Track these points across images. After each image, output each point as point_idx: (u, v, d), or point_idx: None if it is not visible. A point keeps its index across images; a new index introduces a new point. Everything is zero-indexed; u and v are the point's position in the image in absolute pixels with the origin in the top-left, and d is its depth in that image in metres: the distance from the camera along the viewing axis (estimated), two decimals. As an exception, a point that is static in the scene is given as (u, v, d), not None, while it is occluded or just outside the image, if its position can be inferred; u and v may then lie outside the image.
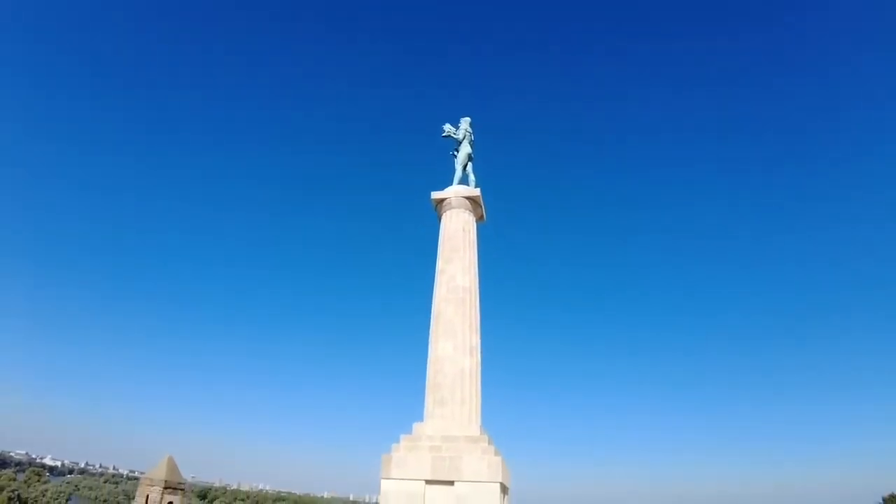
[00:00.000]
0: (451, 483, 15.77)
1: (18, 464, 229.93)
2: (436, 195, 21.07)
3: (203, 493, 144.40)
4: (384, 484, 16.15)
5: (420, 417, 18.03)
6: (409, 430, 17.50)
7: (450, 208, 20.62)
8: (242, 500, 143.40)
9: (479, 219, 21.48)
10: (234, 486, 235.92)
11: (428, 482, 15.92)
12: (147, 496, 24.78)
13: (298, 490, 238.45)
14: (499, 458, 16.06)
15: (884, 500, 51.80)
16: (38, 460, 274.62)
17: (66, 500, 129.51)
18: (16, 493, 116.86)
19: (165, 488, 24.88)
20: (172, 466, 26.04)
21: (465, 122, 22.44)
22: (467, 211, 20.67)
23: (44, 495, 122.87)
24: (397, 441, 17.13)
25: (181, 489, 26.24)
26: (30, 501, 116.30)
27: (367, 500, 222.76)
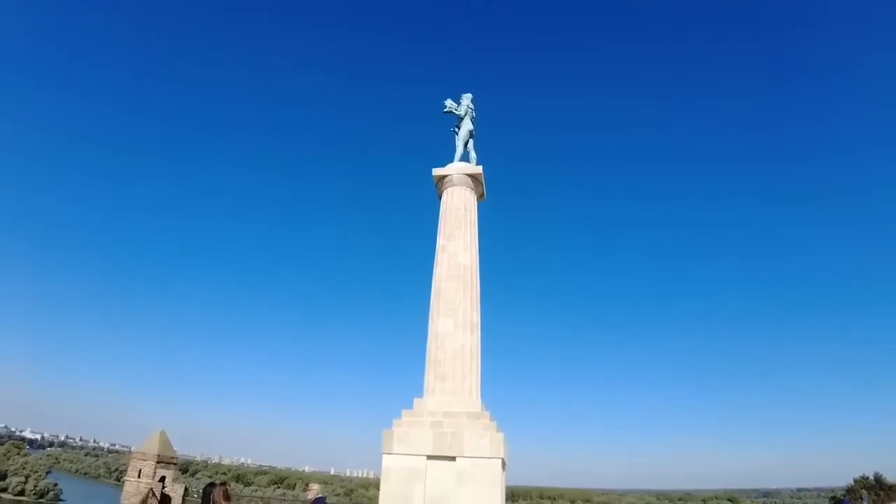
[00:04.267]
0: (452, 459, 15.93)
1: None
2: (437, 172, 20.86)
3: (184, 467, 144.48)
4: (385, 459, 16.26)
5: (413, 395, 18.07)
6: (409, 406, 17.59)
7: (451, 185, 20.45)
8: (224, 473, 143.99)
9: (480, 197, 21.37)
10: (216, 461, 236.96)
11: (429, 457, 16.05)
12: (140, 470, 24.66)
13: (280, 464, 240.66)
14: (500, 435, 16.25)
15: (854, 481, 53.74)
16: (17, 433, 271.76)
17: (47, 473, 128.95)
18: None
19: (158, 462, 24.80)
20: (165, 441, 25.92)
21: (466, 99, 22.12)
22: (468, 188, 20.53)
23: (24, 468, 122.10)
24: (398, 416, 17.20)
25: (174, 463, 26.20)
26: (9, 474, 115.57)
27: (347, 474, 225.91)
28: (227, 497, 8.26)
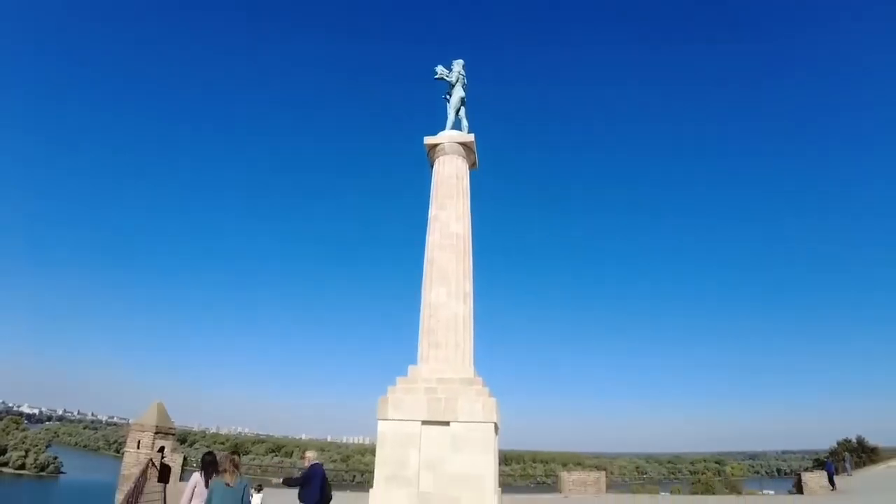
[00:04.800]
0: (446, 424, 16.21)
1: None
2: (429, 140, 20.64)
3: (183, 438, 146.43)
4: (381, 425, 16.52)
5: (407, 363, 18.23)
6: (404, 373, 17.81)
7: (443, 154, 20.27)
8: (222, 443, 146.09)
9: (472, 165, 21.22)
10: (213, 430, 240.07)
11: (424, 423, 16.32)
12: (138, 441, 24.94)
13: (277, 433, 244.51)
14: (493, 400, 16.53)
15: (838, 444, 55.14)
16: (14, 408, 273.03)
17: (46, 447, 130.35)
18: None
19: (156, 433, 25.06)
20: (162, 412, 26.17)
21: (457, 65, 21.73)
22: (460, 157, 20.36)
23: (23, 443, 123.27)
24: (393, 383, 17.42)
25: (172, 434, 26.48)
26: (9, 449, 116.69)
27: (344, 441, 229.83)
28: (235, 465, 8.41)
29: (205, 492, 9.16)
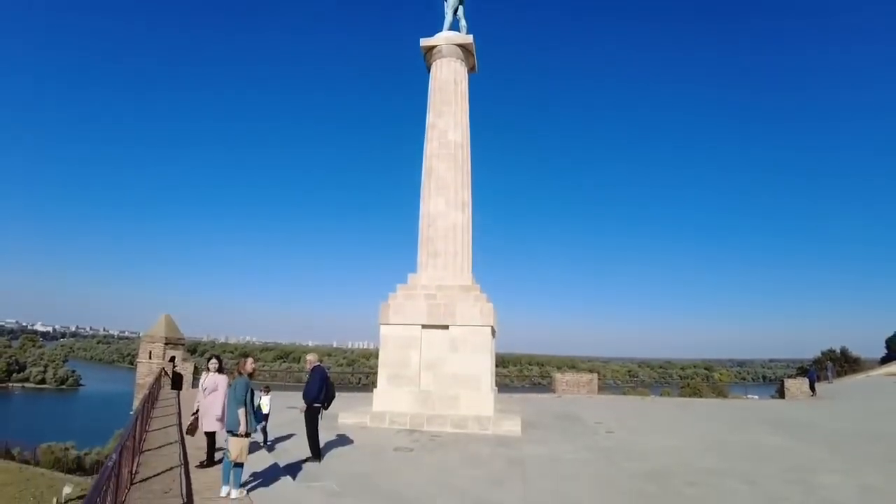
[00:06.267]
0: (445, 327, 16.76)
1: (10, 332, 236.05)
2: (425, 42, 19.68)
3: (192, 348, 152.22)
4: (383, 329, 17.09)
5: (407, 272, 18.59)
6: (403, 281, 18.18)
7: (440, 57, 19.42)
8: (231, 352, 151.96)
9: (471, 69, 20.41)
10: (222, 340, 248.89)
11: (424, 326, 16.88)
12: (150, 352, 25.87)
13: (284, 341, 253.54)
14: (490, 305, 16.97)
15: (822, 353, 57.06)
16: (29, 327, 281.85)
17: (64, 362, 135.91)
18: (13, 358, 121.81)
19: (166, 344, 25.98)
20: (171, 323, 26.97)
21: (455, -42, 20.30)
22: (459, 60, 19.53)
23: (41, 359, 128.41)
24: (393, 290, 17.83)
25: (181, 344, 27.44)
26: (28, 365, 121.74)
27: (349, 347, 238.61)
28: (245, 365, 8.73)
29: (217, 388, 9.60)
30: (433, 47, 19.56)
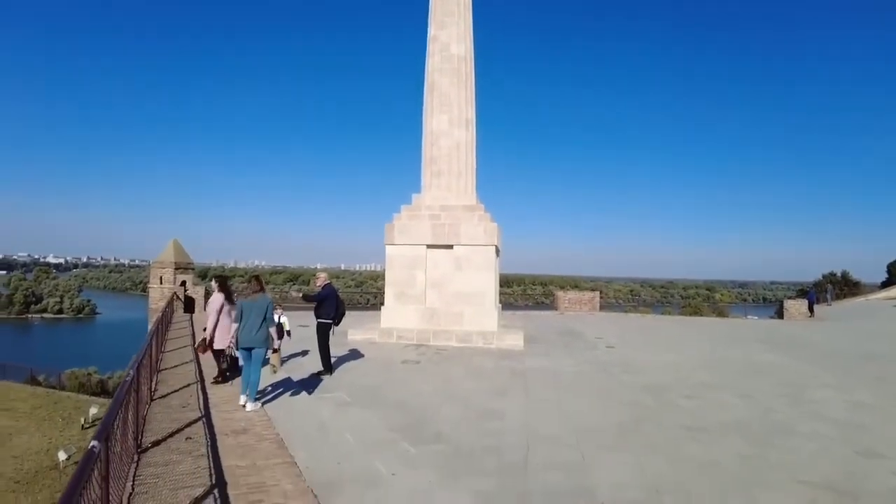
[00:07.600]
0: (450, 247, 16.86)
1: (24, 265, 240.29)
2: (424, -54, 18.44)
3: (203, 273, 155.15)
4: (389, 249, 17.23)
5: (411, 193, 18.39)
6: (408, 202, 18.07)
7: (441, -38, 18.21)
8: (241, 276, 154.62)
9: (474, -23, 19.18)
10: (232, 265, 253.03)
11: (429, 246, 16.98)
12: (161, 277, 26.28)
13: (293, 264, 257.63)
14: (494, 225, 16.95)
15: (823, 276, 57.42)
16: (41, 260, 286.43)
17: (79, 292, 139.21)
18: (30, 290, 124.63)
19: (176, 269, 26.35)
20: (179, 248, 27.23)
21: None
22: (460, -34, 18.31)
23: (56, 289, 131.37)
24: (398, 211, 17.78)
25: (191, 268, 27.82)
26: (45, 296, 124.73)
27: (357, 269, 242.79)
28: (259, 284, 8.86)
29: (229, 309, 9.79)
30: (433, -48, 18.27)
